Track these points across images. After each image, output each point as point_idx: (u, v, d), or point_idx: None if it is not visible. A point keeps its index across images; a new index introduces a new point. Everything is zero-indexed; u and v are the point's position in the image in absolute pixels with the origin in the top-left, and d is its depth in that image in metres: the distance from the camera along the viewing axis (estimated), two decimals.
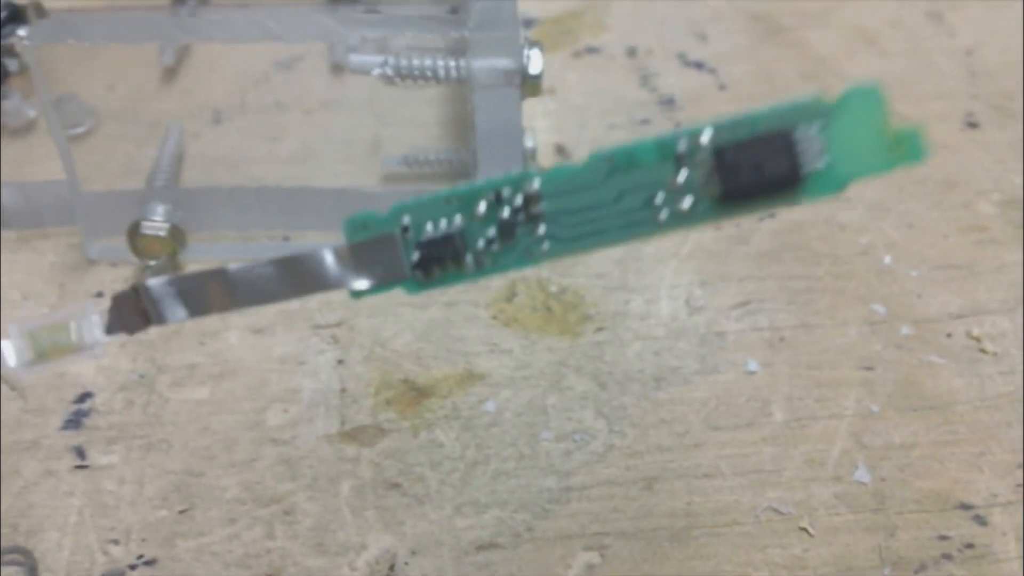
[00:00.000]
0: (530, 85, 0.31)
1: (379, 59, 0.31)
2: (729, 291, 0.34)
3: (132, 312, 0.22)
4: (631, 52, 0.43)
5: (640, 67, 0.43)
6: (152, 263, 0.34)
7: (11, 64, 0.36)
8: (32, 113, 0.39)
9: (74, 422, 0.31)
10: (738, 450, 0.30)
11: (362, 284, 0.22)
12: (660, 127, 0.40)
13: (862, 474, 0.29)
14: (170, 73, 0.40)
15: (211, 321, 0.33)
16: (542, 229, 0.21)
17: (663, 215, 0.21)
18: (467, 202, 0.21)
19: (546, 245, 0.21)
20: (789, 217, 0.36)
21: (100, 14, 0.34)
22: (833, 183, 0.20)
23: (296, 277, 0.22)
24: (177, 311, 0.22)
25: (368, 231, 0.22)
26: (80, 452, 0.30)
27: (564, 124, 0.40)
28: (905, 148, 0.20)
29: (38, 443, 0.30)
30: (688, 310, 0.34)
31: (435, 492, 0.29)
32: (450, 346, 0.33)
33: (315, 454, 0.30)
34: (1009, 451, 0.30)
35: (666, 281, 0.34)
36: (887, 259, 0.35)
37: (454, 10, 0.41)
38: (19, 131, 0.39)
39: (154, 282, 0.21)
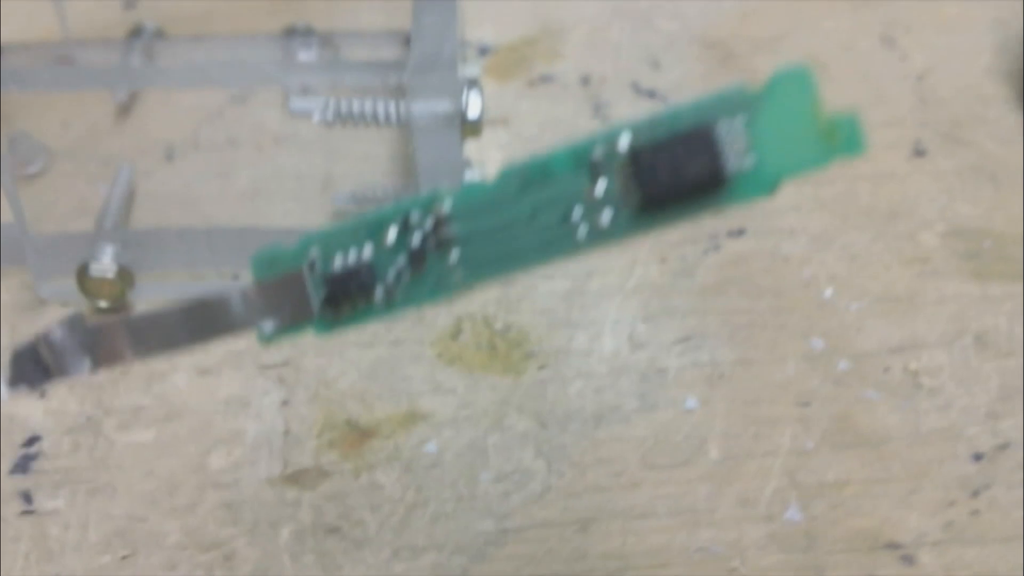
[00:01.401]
0: (469, 127, 0.31)
1: (319, 103, 0.31)
2: (672, 326, 0.35)
3: (33, 365, 0.21)
4: (585, 80, 0.43)
5: (593, 96, 0.43)
6: (101, 305, 0.34)
7: None
8: None
9: (22, 466, 0.31)
10: (674, 489, 0.30)
11: (269, 326, 0.20)
12: None
13: (794, 513, 0.30)
14: (124, 109, 0.41)
15: (158, 363, 0.34)
16: (454, 255, 0.20)
17: (581, 232, 0.19)
18: (375, 230, 0.20)
19: (459, 272, 0.20)
20: (733, 249, 0.37)
21: (50, 61, 0.35)
22: (763, 183, 0.18)
23: (203, 321, 0.21)
24: (80, 363, 0.21)
25: (275, 268, 0.20)
26: (27, 497, 0.31)
27: (517, 157, 0.40)
28: (841, 138, 0.18)
29: None
30: (630, 346, 0.34)
31: (374, 536, 0.30)
32: (394, 385, 0.33)
33: (257, 498, 0.30)
34: (940, 488, 0.30)
35: (610, 316, 0.35)
36: (828, 292, 0.35)
37: (407, 41, 0.42)
38: None
39: (55, 333, 0.20)
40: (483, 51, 0.45)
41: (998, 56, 0.44)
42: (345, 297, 0.20)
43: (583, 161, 0.19)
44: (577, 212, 0.19)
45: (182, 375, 0.33)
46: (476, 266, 0.20)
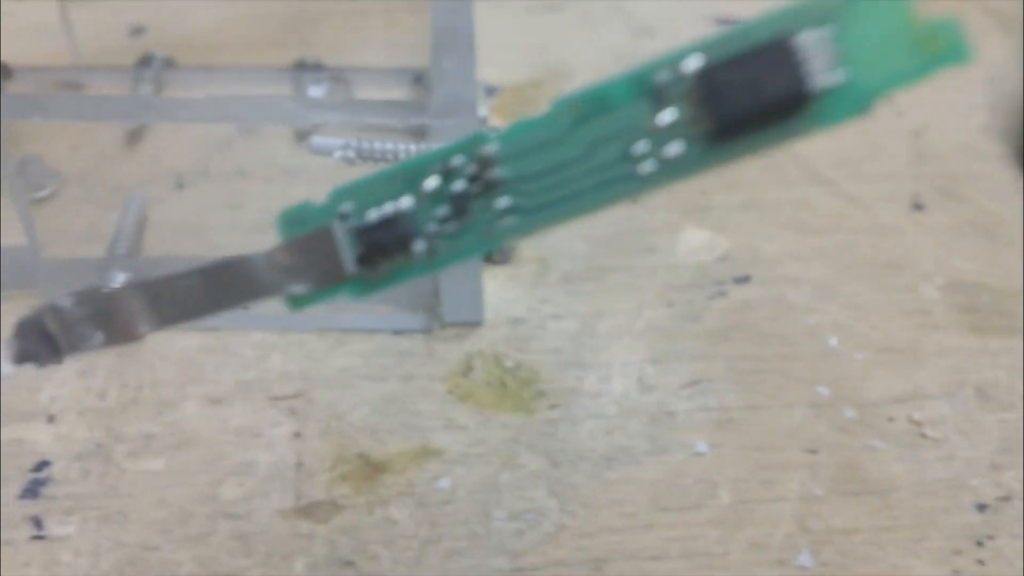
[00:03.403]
0: None
1: (340, 142, 0.31)
2: (680, 369, 0.35)
3: (40, 340, 0.19)
4: None
5: None
6: None
7: None
8: None
9: (31, 491, 0.31)
10: (685, 532, 0.31)
11: (299, 288, 0.19)
12: None
13: (805, 559, 0.30)
14: (134, 136, 0.41)
15: (168, 391, 0.34)
16: (503, 201, 0.18)
17: (647, 167, 0.17)
18: (414, 178, 0.18)
19: (508, 220, 0.18)
20: (739, 296, 0.37)
21: (59, 87, 0.35)
22: (856, 100, 0.17)
23: (225, 287, 0.19)
24: (93, 336, 0.19)
25: (303, 225, 0.19)
26: (37, 522, 0.30)
27: None
28: (941, 45, 0.16)
29: None
30: (640, 388, 0.34)
31: (388, 571, 0.30)
32: (406, 420, 0.33)
33: (270, 530, 0.30)
34: (946, 537, 0.31)
35: (619, 358, 0.35)
36: (833, 341, 0.36)
37: (418, 78, 0.42)
38: None
39: (64, 303, 0.19)
40: (489, 91, 0.46)
41: (993, 114, 0.45)
42: (381, 253, 0.18)
43: (645, 88, 0.17)
44: (640, 146, 0.17)
45: (192, 404, 0.33)
46: (527, 212, 0.18)
